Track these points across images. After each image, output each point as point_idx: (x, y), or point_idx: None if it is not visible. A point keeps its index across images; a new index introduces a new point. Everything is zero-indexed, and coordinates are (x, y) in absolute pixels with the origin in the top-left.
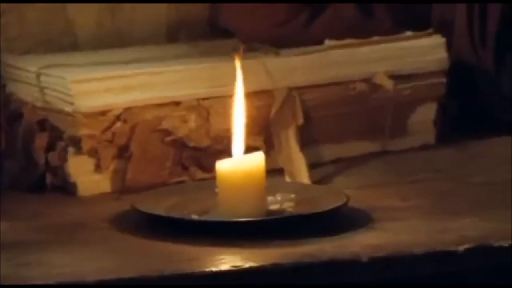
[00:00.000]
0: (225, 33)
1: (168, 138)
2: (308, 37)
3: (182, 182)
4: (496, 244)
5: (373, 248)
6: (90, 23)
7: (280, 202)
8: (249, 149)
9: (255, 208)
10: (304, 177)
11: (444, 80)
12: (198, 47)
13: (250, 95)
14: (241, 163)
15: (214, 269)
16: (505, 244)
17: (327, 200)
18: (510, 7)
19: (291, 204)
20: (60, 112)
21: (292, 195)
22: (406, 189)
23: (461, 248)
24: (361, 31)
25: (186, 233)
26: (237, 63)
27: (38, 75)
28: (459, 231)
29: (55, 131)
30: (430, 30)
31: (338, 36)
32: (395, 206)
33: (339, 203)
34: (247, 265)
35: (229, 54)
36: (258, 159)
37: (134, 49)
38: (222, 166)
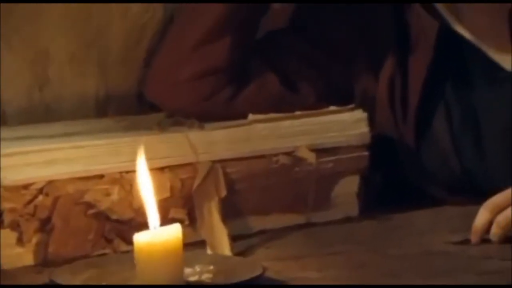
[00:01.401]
0: (153, 107)
1: (91, 211)
2: (232, 111)
3: (105, 254)
4: None
5: None
6: (18, 98)
7: (198, 274)
8: (172, 221)
9: (172, 279)
10: (225, 249)
11: (366, 153)
12: (124, 121)
13: (174, 168)
14: (158, 236)
15: None
16: None
17: (244, 272)
18: (429, 83)
19: (209, 275)
20: None
21: (211, 267)
22: (324, 260)
23: None
24: (285, 105)
25: None
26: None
27: None
28: None
29: None
30: (352, 105)
31: (262, 110)
32: (311, 277)
33: (255, 274)
34: None
35: (153, 128)
36: (175, 231)
37: (62, 124)
38: (140, 238)
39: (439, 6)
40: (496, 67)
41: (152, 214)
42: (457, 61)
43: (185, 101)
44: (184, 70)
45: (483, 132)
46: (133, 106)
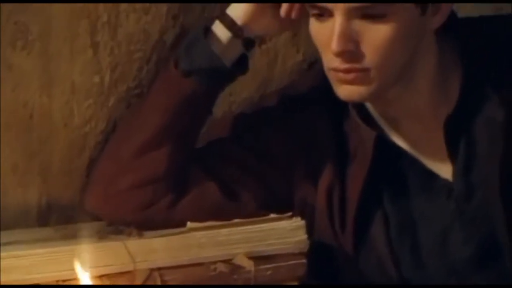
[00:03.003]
0: (95, 216)
1: None
2: (172, 220)
3: None
4: None
5: None
6: None
7: None
8: None
9: None
10: None
11: (304, 261)
12: (64, 230)
13: (112, 276)
14: None
15: None
16: None
17: None
18: (367, 191)
19: None
20: None
21: None
22: None
23: None
24: (225, 213)
25: None
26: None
27: None
28: None
29: None
30: (290, 213)
31: (202, 218)
32: None
33: None
34: None
35: (92, 237)
36: None
37: (2, 233)
38: None
39: (377, 117)
40: (432, 176)
41: None
42: (394, 170)
43: (125, 210)
44: (124, 179)
45: (420, 240)
46: (75, 215)
